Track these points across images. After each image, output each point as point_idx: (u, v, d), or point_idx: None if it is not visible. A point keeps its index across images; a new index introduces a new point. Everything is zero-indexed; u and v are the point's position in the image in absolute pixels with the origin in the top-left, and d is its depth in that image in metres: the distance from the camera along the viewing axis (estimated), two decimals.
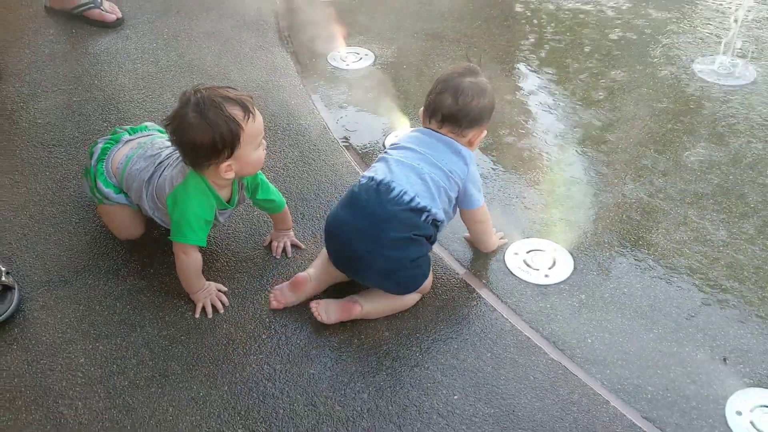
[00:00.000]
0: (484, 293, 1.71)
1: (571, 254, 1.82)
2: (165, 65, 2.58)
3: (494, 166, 2.12)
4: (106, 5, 2.81)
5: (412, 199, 1.56)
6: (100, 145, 1.78)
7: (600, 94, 2.45)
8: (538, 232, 1.89)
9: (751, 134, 2.24)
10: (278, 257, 1.80)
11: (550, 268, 1.78)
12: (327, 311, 1.61)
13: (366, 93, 2.47)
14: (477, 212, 1.72)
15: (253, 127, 1.52)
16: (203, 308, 1.65)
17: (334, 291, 1.68)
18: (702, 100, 2.41)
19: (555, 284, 1.74)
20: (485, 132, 1.68)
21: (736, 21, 2.58)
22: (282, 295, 1.65)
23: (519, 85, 2.52)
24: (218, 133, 1.47)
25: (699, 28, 2.82)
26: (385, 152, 1.68)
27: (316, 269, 1.67)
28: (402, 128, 2.28)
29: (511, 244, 1.84)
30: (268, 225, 1.88)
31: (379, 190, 1.56)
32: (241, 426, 1.42)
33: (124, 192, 1.74)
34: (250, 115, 1.51)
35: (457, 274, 1.76)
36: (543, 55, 2.68)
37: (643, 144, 2.21)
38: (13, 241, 1.84)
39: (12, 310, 1.63)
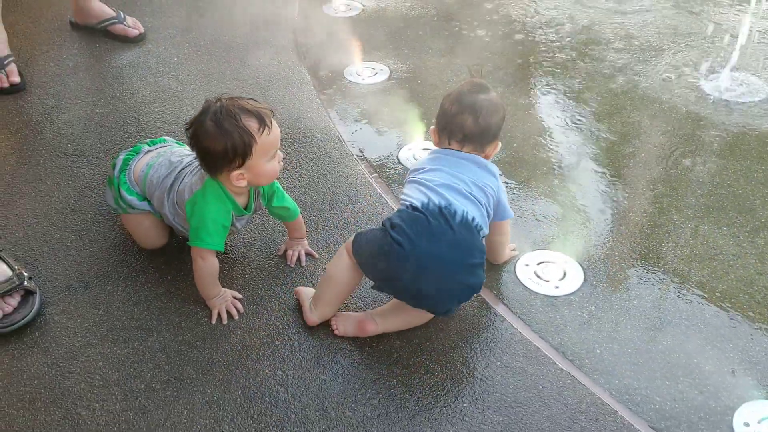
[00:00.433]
0: (494, 303, 1.74)
1: (582, 266, 1.84)
2: (185, 78, 2.64)
3: (506, 180, 2.14)
4: (129, 21, 2.88)
5: (473, 219, 1.56)
6: (121, 157, 1.83)
7: (611, 108, 2.48)
8: (549, 245, 1.91)
9: (761, 149, 2.25)
10: (293, 266, 1.83)
11: (560, 280, 1.80)
12: (344, 325, 1.64)
13: (381, 107, 2.51)
14: (506, 224, 1.75)
15: (267, 139, 1.56)
16: (219, 315, 1.69)
17: (354, 302, 1.70)
18: (713, 116, 2.42)
19: (565, 296, 1.76)
20: (500, 144, 1.71)
21: (746, 36, 2.60)
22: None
23: (530, 99, 2.56)
24: (230, 143, 1.52)
25: (710, 44, 2.84)
26: (416, 177, 1.64)
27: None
28: (416, 141, 2.31)
29: (522, 256, 1.87)
30: (282, 234, 1.91)
31: (445, 215, 1.53)
32: (253, 429, 1.45)
33: (147, 199, 1.79)
34: (266, 127, 1.55)
35: None
36: (553, 70, 2.71)
37: (653, 158, 2.23)
38: (36, 247, 1.89)
39: (33, 313, 1.67)
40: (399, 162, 2.23)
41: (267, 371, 1.57)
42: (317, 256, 1.86)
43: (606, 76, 2.67)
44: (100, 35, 2.88)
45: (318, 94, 2.58)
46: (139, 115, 2.43)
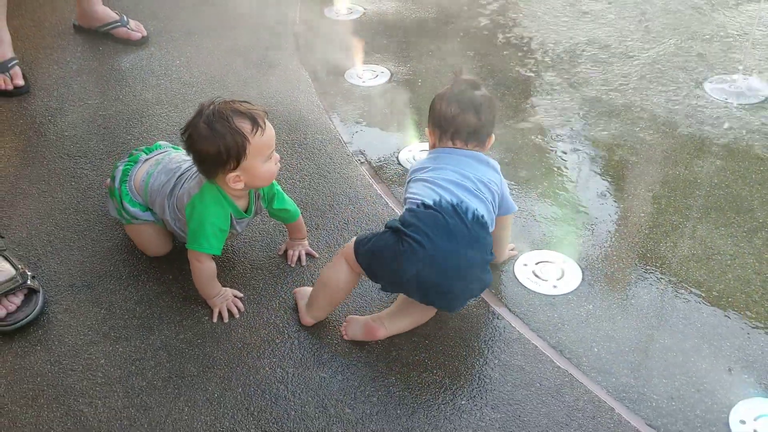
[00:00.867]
0: (493, 302, 1.75)
1: (580, 266, 1.85)
2: (187, 81, 2.66)
3: (504, 180, 2.15)
4: (132, 24, 2.91)
5: (482, 216, 1.57)
6: (120, 168, 1.84)
7: (610, 108, 2.49)
8: (548, 244, 1.93)
9: (761, 151, 2.27)
10: (293, 265, 1.85)
11: (558, 279, 1.81)
12: (353, 330, 1.64)
13: (381, 109, 2.53)
14: (509, 218, 1.76)
15: (261, 140, 1.57)
16: (219, 313, 1.70)
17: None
18: (712, 117, 2.44)
19: (563, 295, 1.77)
20: (494, 136, 1.73)
21: (747, 38, 2.61)
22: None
23: (529, 100, 2.57)
24: (223, 144, 1.54)
25: (710, 45, 2.86)
26: (421, 176, 1.63)
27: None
28: (415, 143, 2.33)
29: (521, 256, 1.88)
30: (283, 235, 1.93)
31: (458, 213, 1.54)
32: (253, 426, 1.47)
33: (150, 209, 1.80)
34: (259, 128, 1.56)
35: None
36: (551, 71, 2.73)
37: (652, 158, 2.24)
38: (39, 247, 1.91)
39: (37, 312, 1.69)
40: (399, 163, 2.25)
41: (267, 369, 1.58)
42: (317, 255, 1.88)
43: (604, 76, 2.68)
44: (104, 38, 2.91)
45: (319, 96, 2.60)
46: (142, 117, 2.46)
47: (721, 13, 3.10)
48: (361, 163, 2.25)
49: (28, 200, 2.08)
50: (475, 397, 1.52)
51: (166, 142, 1.94)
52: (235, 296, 1.74)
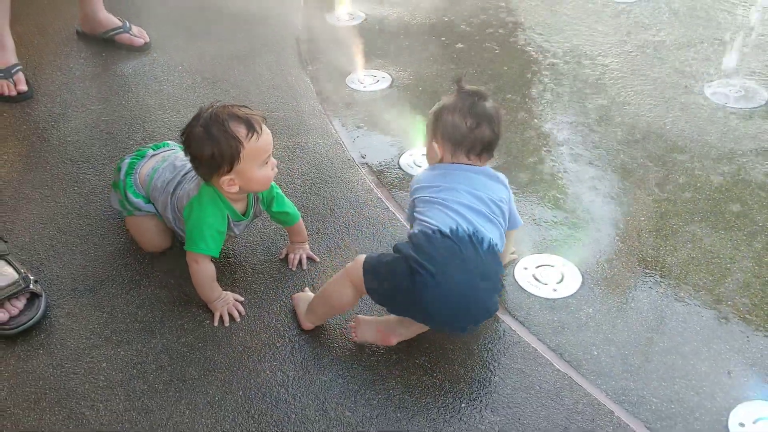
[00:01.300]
0: None
1: (579, 270, 1.85)
2: (189, 86, 2.68)
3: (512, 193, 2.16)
4: (135, 30, 2.93)
5: (496, 245, 1.54)
6: (127, 161, 1.87)
7: (610, 113, 2.50)
8: (548, 248, 1.93)
9: (761, 155, 2.27)
10: (294, 269, 1.86)
11: (558, 283, 1.82)
12: (363, 332, 1.63)
13: (382, 114, 2.54)
14: (513, 232, 1.76)
15: (256, 145, 1.58)
16: (221, 317, 1.71)
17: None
18: (713, 122, 2.44)
19: (563, 298, 1.78)
20: None
21: (746, 41, 2.62)
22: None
23: (530, 105, 2.58)
24: (217, 148, 1.56)
25: (711, 50, 2.86)
26: (434, 197, 1.58)
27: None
28: (416, 147, 2.34)
29: (521, 259, 1.89)
30: (284, 239, 1.94)
31: (474, 243, 1.50)
32: (254, 429, 1.47)
33: (152, 202, 1.82)
34: (255, 133, 1.57)
35: None
36: (553, 76, 2.74)
37: (652, 163, 2.25)
38: (42, 251, 1.93)
39: (39, 316, 1.70)
40: (400, 168, 2.26)
41: (268, 372, 1.59)
42: (318, 259, 1.89)
43: (606, 81, 2.69)
44: (107, 44, 2.93)
45: (320, 101, 2.61)
46: (144, 122, 2.47)
47: (718, 16, 3.11)
48: (362, 167, 2.26)
49: (31, 205, 2.09)
50: (474, 400, 1.53)
51: (174, 142, 1.96)
52: (236, 300, 1.75)
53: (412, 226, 1.63)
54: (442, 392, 1.54)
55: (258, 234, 1.98)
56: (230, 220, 1.71)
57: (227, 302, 1.73)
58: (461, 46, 2.98)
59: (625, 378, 1.58)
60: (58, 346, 1.66)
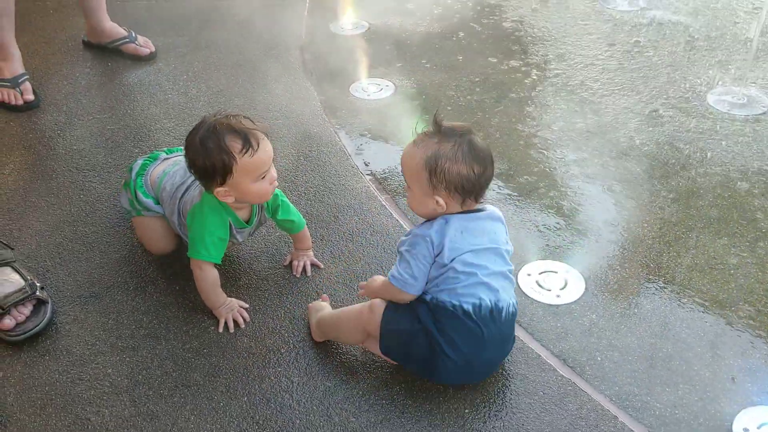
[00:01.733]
0: None
1: (583, 276, 1.86)
2: (194, 95, 2.70)
3: (508, 192, 2.18)
4: (141, 40, 2.95)
5: (513, 311, 1.53)
6: (139, 162, 1.90)
7: (614, 120, 2.51)
8: (551, 254, 1.94)
9: (764, 162, 2.28)
10: (298, 276, 1.87)
11: (561, 289, 1.82)
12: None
13: (386, 122, 2.56)
14: None
15: (250, 161, 1.57)
16: (225, 323, 1.72)
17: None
18: (715, 129, 2.45)
19: (566, 304, 1.78)
20: None
21: (749, 48, 2.63)
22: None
23: (534, 111, 2.59)
24: (209, 161, 1.57)
25: (714, 56, 2.87)
26: (462, 260, 1.47)
27: None
28: None
29: (524, 266, 1.89)
30: (288, 245, 1.95)
31: (494, 316, 1.48)
32: None
33: (160, 203, 1.84)
34: (250, 149, 1.57)
35: None
36: (556, 82, 2.75)
37: (654, 169, 2.26)
38: (48, 258, 1.94)
39: (45, 322, 1.72)
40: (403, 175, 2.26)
41: (272, 378, 1.60)
42: (322, 266, 1.90)
43: (608, 89, 2.70)
44: (112, 54, 2.95)
45: (324, 109, 2.63)
46: (150, 131, 2.49)
47: (723, 24, 3.12)
48: (366, 174, 2.27)
49: (38, 213, 2.11)
50: (478, 405, 1.53)
51: None
52: (241, 306, 1.76)
53: (428, 283, 1.52)
54: (446, 398, 1.55)
55: (262, 241, 1.99)
56: (233, 227, 1.72)
57: (232, 308, 1.74)
58: (463, 54, 3.00)
59: (629, 383, 1.58)
60: (64, 353, 1.67)
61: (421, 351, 1.50)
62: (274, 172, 1.66)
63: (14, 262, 1.80)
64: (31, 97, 2.62)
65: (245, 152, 1.57)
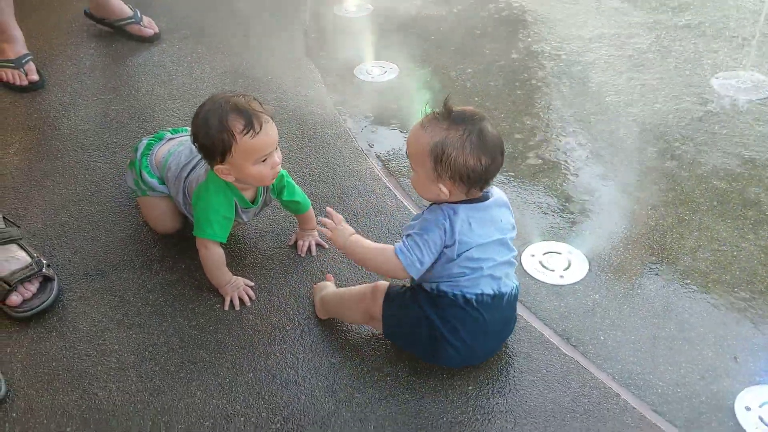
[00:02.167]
0: None
1: (586, 257, 1.87)
2: (199, 77, 2.70)
3: (512, 173, 2.18)
4: (145, 21, 2.95)
5: (515, 294, 1.54)
6: (144, 141, 1.91)
7: (618, 103, 2.51)
8: (555, 235, 1.94)
9: (766, 144, 2.28)
10: (303, 255, 1.88)
11: (565, 270, 1.83)
12: None
13: (390, 104, 2.56)
14: None
15: (250, 143, 1.56)
16: (231, 301, 1.73)
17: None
18: (720, 112, 2.45)
19: (570, 285, 1.79)
20: None
21: (754, 34, 2.62)
22: None
23: (539, 94, 2.59)
24: (210, 138, 1.57)
25: (719, 40, 2.87)
26: (467, 255, 1.45)
27: None
28: None
29: (528, 246, 1.90)
30: (293, 225, 1.96)
31: (495, 303, 1.49)
32: (264, 410, 1.49)
33: (165, 183, 1.85)
34: (251, 131, 1.56)
35: None
36: (561, 67, 2.75)
37: (658, 152, 2.26)
38: (54, 237, 1.95)
39: (52, 299, 1.73)
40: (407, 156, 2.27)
41: (278, 354, 1.61)
42: (327, 246, 1.90)
43: (615, 72, 2.70)
44: (116, 35, 2.95)
45: (329, 92, 2.63)
46: (154, 111, 2.49)
47: (727, 9, 3.11)
48: (370, 156, 2.27)
49: (43, 192, 2.12)
50: (482, 382, 1.54)
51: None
52: (246, 285, 1.77)
53: (430, 269, 1.49)
54: (450, 375, 1.56)
55: (268, 221, 1.99)
56: (238, 207, 1.73)
57: (237, 287, 1.75)
58: (467, 37, 2.99)
59: (632, 362, 1.59)
60: (71, 329, 1.68)
61: (424, 338, 1.51)
62: (277, 157, 1.64)
63: (21, 239, 1.81)
64: (35, 77, 2.62)
65: (246, 133, 1.56)
